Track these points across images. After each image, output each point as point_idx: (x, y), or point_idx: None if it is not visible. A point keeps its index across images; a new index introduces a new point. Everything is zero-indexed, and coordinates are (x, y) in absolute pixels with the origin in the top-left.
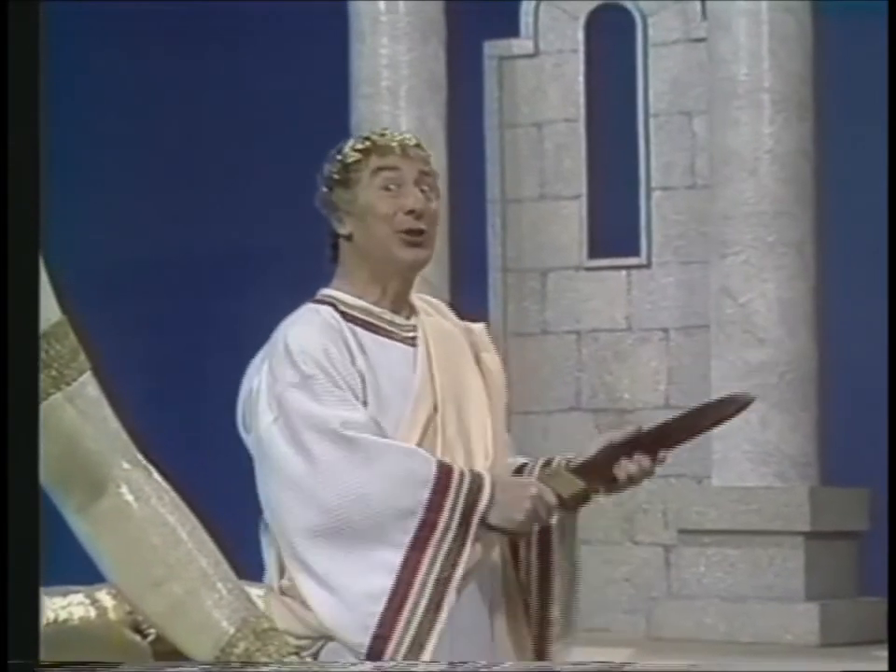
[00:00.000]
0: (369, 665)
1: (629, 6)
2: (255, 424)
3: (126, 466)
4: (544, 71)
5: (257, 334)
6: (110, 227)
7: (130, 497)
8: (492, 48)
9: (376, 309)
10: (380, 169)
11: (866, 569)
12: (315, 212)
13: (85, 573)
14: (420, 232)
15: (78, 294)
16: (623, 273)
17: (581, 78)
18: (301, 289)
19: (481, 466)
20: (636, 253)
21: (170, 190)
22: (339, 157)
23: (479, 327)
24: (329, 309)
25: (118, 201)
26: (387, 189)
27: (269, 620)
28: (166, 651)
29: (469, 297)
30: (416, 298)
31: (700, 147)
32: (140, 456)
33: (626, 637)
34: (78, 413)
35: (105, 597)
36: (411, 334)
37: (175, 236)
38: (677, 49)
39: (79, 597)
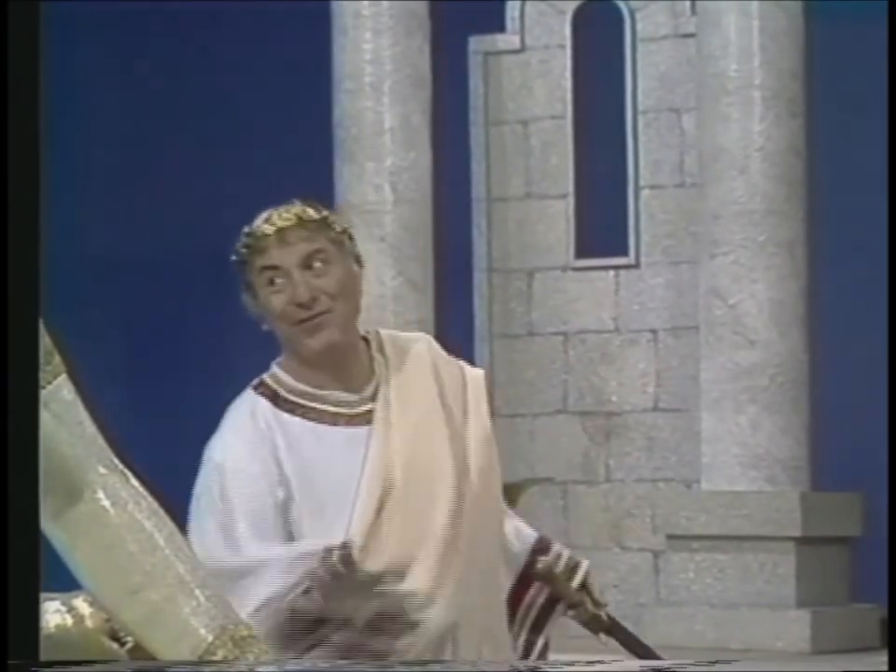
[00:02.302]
0: (358, 664)
1: (617, 0)
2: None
3: (102, 470)
4: (530, 67)
5: (235, 337)
6: (86, 226)
7: (106, 503)
8: (477, 43)
9: (319, 392)
10: (263, 269)
11: (859, 575)
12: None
13: (61, 580)
14: (315, 317)
15: (53, 296)
16: (611, 273)
17: (568, 74)
18: None
19: (440, 534)
20: (624, 253)
21: (148, 189)
22: (234, 257)
23: (478, 375)
24: (266, 405)
25: (92, 199)
26: (273, 284)
27: (247, 627)
28: (144, 658)
29: (453, 298)
30: (388, 343)
31: (689, 144)
32: (116, 461)
33: (614, 644)
34: (53, 417)
35: (81, 605)
36: (365, 407)
37: (153, 236)
38: (665, 45)
39: (55, 605)
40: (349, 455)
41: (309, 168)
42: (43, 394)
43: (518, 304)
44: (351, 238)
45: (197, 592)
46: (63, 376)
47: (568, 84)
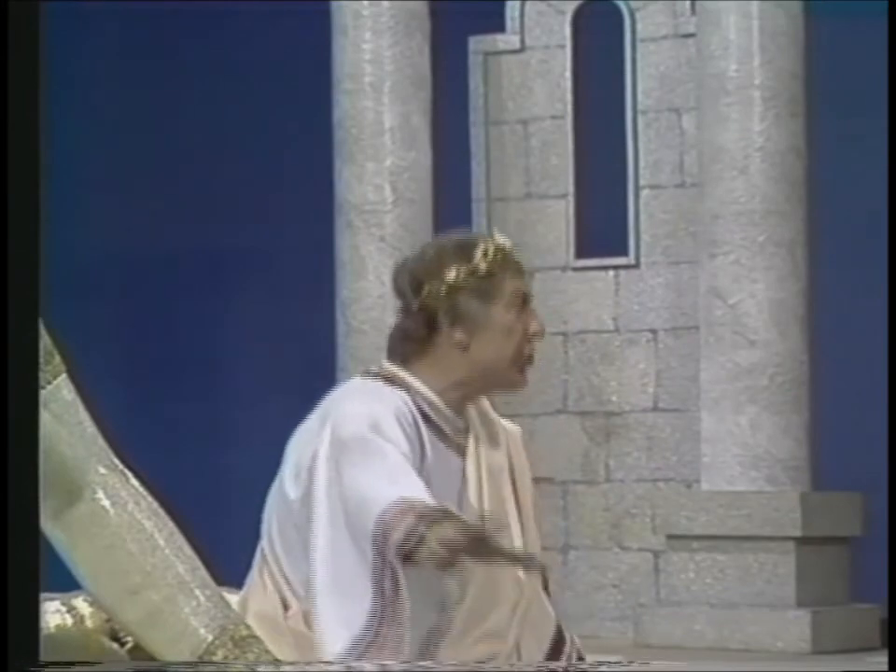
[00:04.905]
0: (350, 664)
1: (617, 0)
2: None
3: (102, 470)
4: (530, 67)
5: (236, 337)
6: (87, 226)
7: (106, 503)
8: (477, 43)
9: (446, 411)
10: (517, 291)
11: (859, 575)
12: (298, 212)
13: (61, 580)
14: (532, 356)
15: (53, 295)
16: (611, 273)
17: (568, 74)
18: (283, 291)
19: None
20: (623, 253)
21: (148, 188)
22: (469, 264)
23: (516, 430)
24: (403, 395)
25: (93, 198)
26: (522, 309)
27: (247, 627)
28: (144, 658)
29: None
30: None
31: (689, 144)
32: (117, 461)
33: (614, 644)
34: (53, 418)
35: (81, 605)
36: (461, 440)
37: (154, 235)
38: (665, 45)
39: (55, 605)
40: (453, 479)
41: (309, 168)
42: (43, 394)
43: None
44: None
45: (197, 592)
46: (63, 376)
47: (568, 84)
